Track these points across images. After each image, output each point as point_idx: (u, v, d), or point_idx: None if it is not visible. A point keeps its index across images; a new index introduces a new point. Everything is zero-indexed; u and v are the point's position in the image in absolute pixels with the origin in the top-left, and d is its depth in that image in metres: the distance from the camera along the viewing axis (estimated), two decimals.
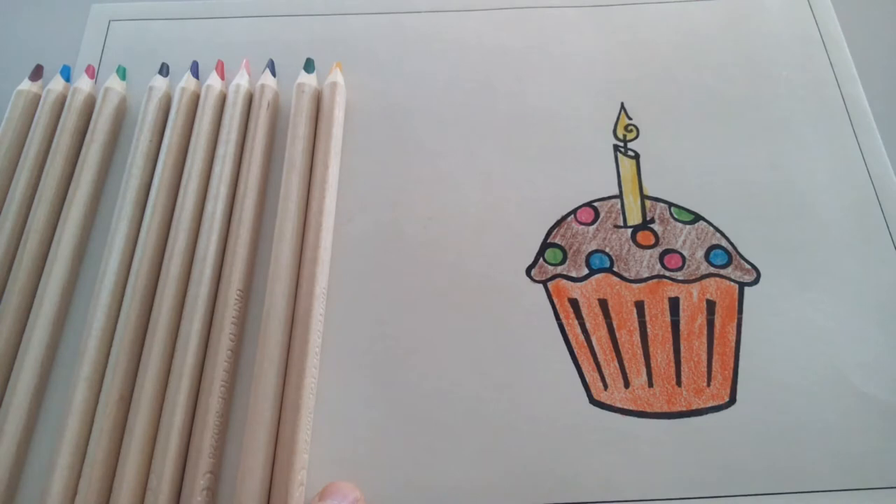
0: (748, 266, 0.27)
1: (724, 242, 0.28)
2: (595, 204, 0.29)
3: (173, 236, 0.27)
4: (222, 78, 0.31)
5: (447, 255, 0.28)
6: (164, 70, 0.31)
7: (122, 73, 0.31)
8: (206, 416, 0.23)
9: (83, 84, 0.30)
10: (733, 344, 0.26)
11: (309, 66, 0.31)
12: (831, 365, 0.25)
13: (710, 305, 0.27)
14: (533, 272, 0.27)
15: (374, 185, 0.29)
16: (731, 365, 0.26)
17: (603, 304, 0.27)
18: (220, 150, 0.28)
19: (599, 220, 0.28)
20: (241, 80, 0.30)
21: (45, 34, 0.34)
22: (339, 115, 0.30)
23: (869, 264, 0.27)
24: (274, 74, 0.31)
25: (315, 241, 0.27)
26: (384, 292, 0.27)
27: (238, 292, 0.26)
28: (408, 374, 0.25)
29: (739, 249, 0.28)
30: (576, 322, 0.26)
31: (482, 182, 0.29)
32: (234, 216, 0.27)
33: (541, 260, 0.27)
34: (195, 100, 0.30)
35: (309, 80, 0.30)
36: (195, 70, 0.31)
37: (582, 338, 0.26)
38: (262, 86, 0.30)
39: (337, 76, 0.30)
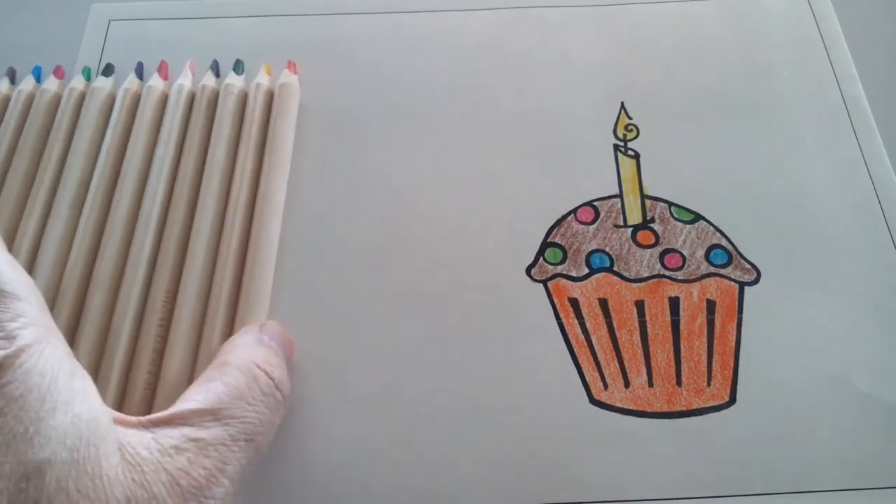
0: (748, 266, 0.27)
1: (724, 242, 0.28)
2: (595, 203, 0.29)
3: (107, 236, 0.26)
4: (164, 78, 0.31)
5: (447, 255, 0.28)
6: (108, 70, 0.31)
7: (86, 74, 0.31)
8: None
9: (50, 84, 0.30)
10: (733, 344, 0.26)
11: (238, 67, 0.31)
12: (831, 365, 0.25)
13: (711, 305, 0.27)
14: (533, 271, 0.27)
15: (374, 184, 0.29)
16: (731, 365, 0.26)
17: (603, 303, 0.27)
18: (160, 150, 0.28)
19: (599, 219, 0.28)
20: (185, 81, 0.30)
21: (45, 34, 0.34)
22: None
23: (869, 264, 0.27)
24: (217, 75, 0.31)
25: (257, 239, 0.27)
26: (384, 292, 0.27)
27: (166, 293, 0.26)
28: (407, 373, 0.25)
29: (739, 249, 0.28)
30: (576, 322, 0.26)
31: (482, 182, 0.29)
32: (168, 216, 0.27)
33: (541, 259, 0.27)
34: (138, 100, 0.30)
35: (237, 81, 0.30)
36: (139, 71, 0.31)
37: (582, 337, 0.26)
38: (203, 86, 0.30)
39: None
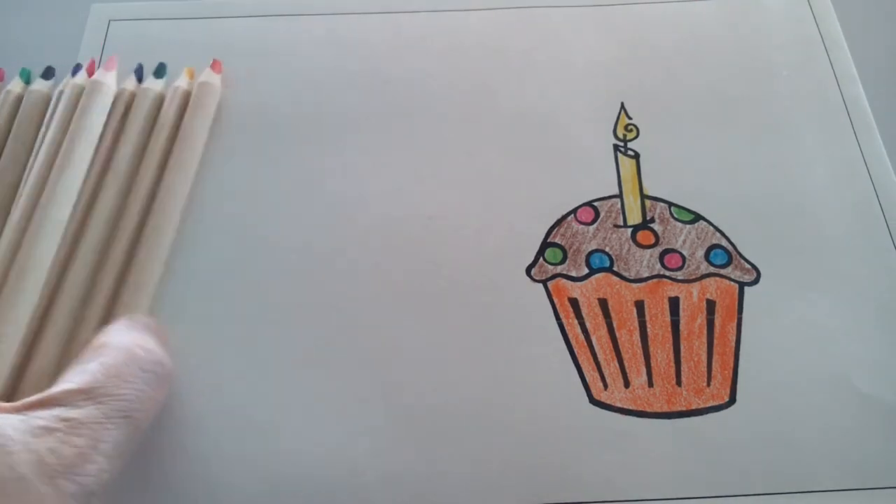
0: (748, 266, 0.27)
1: (724, 242, 0.28)
2: (595, 203, 0.29)
3: (5, 236, 0.26)
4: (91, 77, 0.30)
5: (447, 255, 0.28)
6: (48, 73, 0.31)
7: (25, 76, 0.31)
8: None
9: None
10: (733, 344, 0.26)
11: (160, 71, 0.31)
12: (831, 365, 0.25)
13: (710, 305, 0.27)
14: (533, 271, 0.27)
15: (374, 184, 0.29)
16: (731, 365, 0.26)
17: (603, 303, 0.27)
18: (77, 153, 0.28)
19: (599, 219, 0.28)
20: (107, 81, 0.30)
21: (45, 34, 0.34)
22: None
23: (869, 264, 0.27)
24: (140, 80, 0.30)
25: (147, 240, 0.26)
26: (384, 291, 0.27)
27: (45, 295, 0.25)
28: (406, 373, 0.25)
29: (739, 249, 0.28)
30: (576, 322, 0.26)
31: (482, 182, 0.29)
32: (71, 219, 0.27)
33: (541, 259, 0.27)
34: (47, 101, 0.30)
35: (154, 85, 0.30)
36: (76, 73, 0.30)
37: (582, 337, 0.26)
38: (123, 90, 0.30)
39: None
